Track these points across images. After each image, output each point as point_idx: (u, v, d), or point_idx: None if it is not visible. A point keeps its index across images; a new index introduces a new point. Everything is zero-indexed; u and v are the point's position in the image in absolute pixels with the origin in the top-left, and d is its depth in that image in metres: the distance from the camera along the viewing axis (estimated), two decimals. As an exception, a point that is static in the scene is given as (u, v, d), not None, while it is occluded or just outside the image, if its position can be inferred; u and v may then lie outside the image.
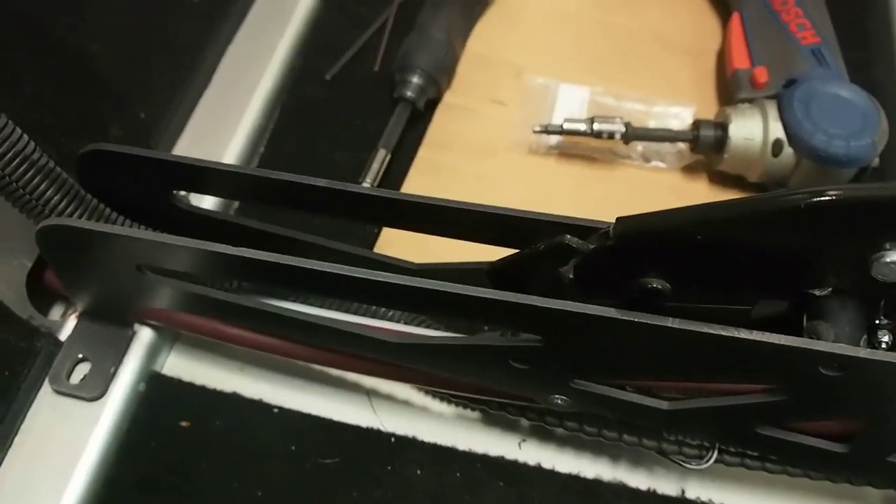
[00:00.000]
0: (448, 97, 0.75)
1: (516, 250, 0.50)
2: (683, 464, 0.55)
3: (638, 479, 0.59)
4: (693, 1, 0.85)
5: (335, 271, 0.46)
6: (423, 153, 0.72)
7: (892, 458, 0.49)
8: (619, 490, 0.58)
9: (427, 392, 0.61)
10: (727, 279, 0.44)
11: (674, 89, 0.77)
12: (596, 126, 0.69)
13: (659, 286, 0.45)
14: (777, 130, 0.67)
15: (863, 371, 0.42)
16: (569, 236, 0.46)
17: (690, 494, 0.58)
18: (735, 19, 0.76)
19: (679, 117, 0.74)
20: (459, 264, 0.55)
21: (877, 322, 0.45)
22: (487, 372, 0.51)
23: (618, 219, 0.44)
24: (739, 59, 0.73)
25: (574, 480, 0.58)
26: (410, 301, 0.47)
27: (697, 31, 0.82)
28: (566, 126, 0.69)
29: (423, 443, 0.59)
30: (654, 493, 0.58)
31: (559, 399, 0.52)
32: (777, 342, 0.42)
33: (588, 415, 0.56)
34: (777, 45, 0.72)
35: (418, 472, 0.58)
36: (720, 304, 0.47)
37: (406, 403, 0.61)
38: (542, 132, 0.69)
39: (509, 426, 0.60)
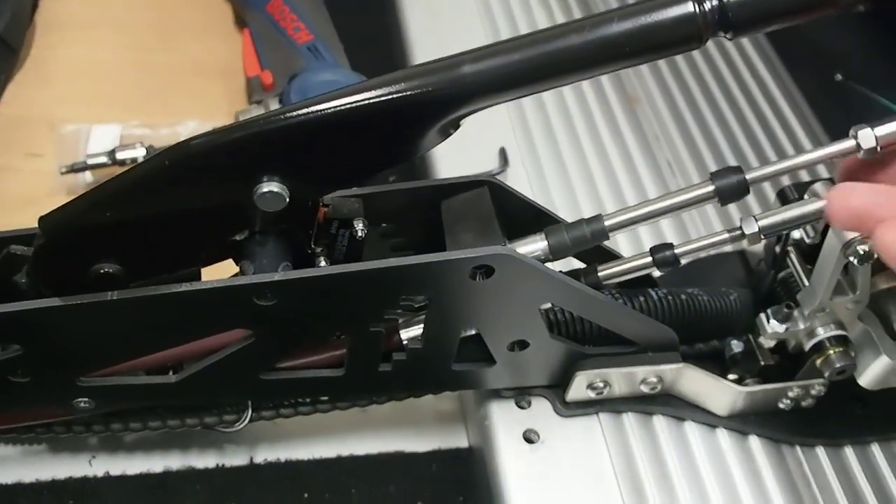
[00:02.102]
0: (-18, 161, 0.77)
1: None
2: (224, 430, 0.59)
3: (207, 460, 0.62)
4: (224, 28, 0.92)
5: None
6: (-40, 219, 0.73)
7: (382, 368, 0.56)
8: (189, 475, 0.61)
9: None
10: (164, 247, 0.49)
11: (208, 108, 0.83)
12: (119, 155, 0.73)
13: (111, 269, 0.49)
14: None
15: (286, 292, 0.48)
16: (14, 246, 0.49)
17: (258, 459, 0.63)
18: (245, 33, 0.84)
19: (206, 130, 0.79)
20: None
21: (310, 251, 0.52)
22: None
23: (40, 218, 0.47)
24: (251, 68, 0.80)
25: (144, 479, 0.61)
26: None
27: (228, 54, 0.88)
28: (90, 161, 0.73)
29: (-18, 488, 0.60)
30: (224, 467, 0.62)
31: (83, 402, 0.55)
32: (203, 287, 0.47)
33: (145, 411, 0.59)
34: (279, 49, 0.80)
35: (-19, 516, 0.59)
36: (178, 271, 0.51)
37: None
38: (69, 172, 0.73)
39: (79, 447, 0.62)
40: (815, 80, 0.92)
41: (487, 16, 0.93)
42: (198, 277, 0.52)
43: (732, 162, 0.82)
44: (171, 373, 0.55)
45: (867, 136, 0.51)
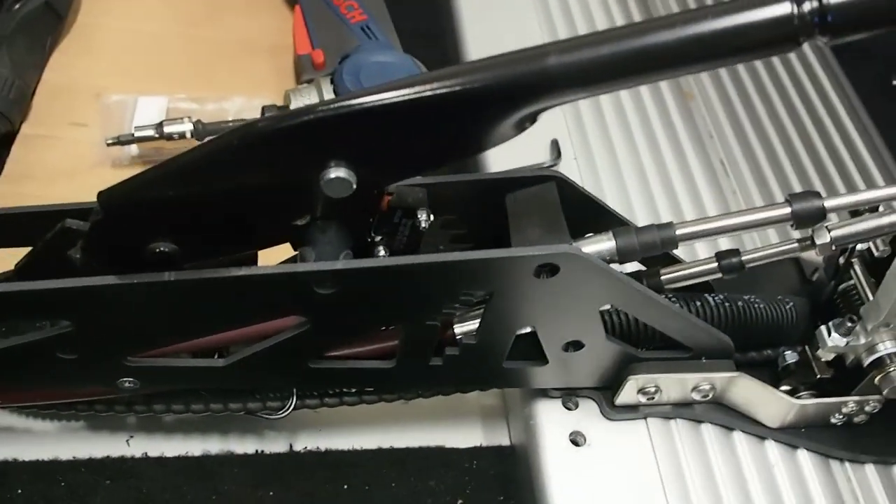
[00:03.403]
0: (25, 129, 0.76)
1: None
2: (268, 417, 0.58)
3: (246, 446, 0.61)
4: (273, 4, 0.90)
5: None
6: (2, 188, 0.72)
7: (433, 362, 0.54)
8: (228, 460, 0.61)
9: (29, 413, 0.61)
10: (222, 228, 0.48)
11: (255, 85, 0.81)
12: (166, 129, 0.72)
13: (167, 249, 0.48)
14: (336, 102, 0.73)
15: (347, 281, 0.47)
16: (69, 220, 0.48)
17: (298, 447, 0.62)
18: (297, 11, 0.82)
19: (254, 107, 0.78)
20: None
21: (370, 240, 0.51)
22: (40, 371, 0.52)
23: (99, 192, 0.46)
24: (301, 46, 0.79)
25: (182, 462, 0.60)
26: None
27: (277, 31, 0.87)
28: (137, 134, 0.72)
29: (22, 463, 0.59)
30: (263, 453, 0.61)
31: (128, 382, 0.54)
32: (262, 273, 0.46)
33: (188, 393, 0.58)
34: (331, 27, 0.79)
35: (19, 491, 0.58)
36: (234, 254, 0.50)
37: (7, 429, 0.61)
38: (115, 143, 0.72)
39: (117, 426, 0.61)
40: (873, 83, 0.90)
41: (542, 6, 0.91)
42: (254, 261, 0.50)
43: (787, 166, 0.80)
44: (216, 356, 0.54)
45: None
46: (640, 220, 0.70)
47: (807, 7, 0.40)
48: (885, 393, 0.58)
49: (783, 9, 0.40)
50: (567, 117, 0.79)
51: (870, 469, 0.62)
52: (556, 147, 0.75)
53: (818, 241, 0.51)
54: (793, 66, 0.90)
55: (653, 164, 0.78)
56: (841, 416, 0.61)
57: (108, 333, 0.49)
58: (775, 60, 0.89)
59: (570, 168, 0.75)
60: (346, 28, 0.78)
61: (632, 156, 0.78)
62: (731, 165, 0.80)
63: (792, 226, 0.51)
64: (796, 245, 0.53)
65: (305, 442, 0.62)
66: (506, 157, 0.73)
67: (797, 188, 0.79)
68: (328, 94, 0.72)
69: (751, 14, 0.40)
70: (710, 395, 0.59)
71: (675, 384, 0.58)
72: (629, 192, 0.75)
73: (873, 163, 0.82)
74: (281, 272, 0.46)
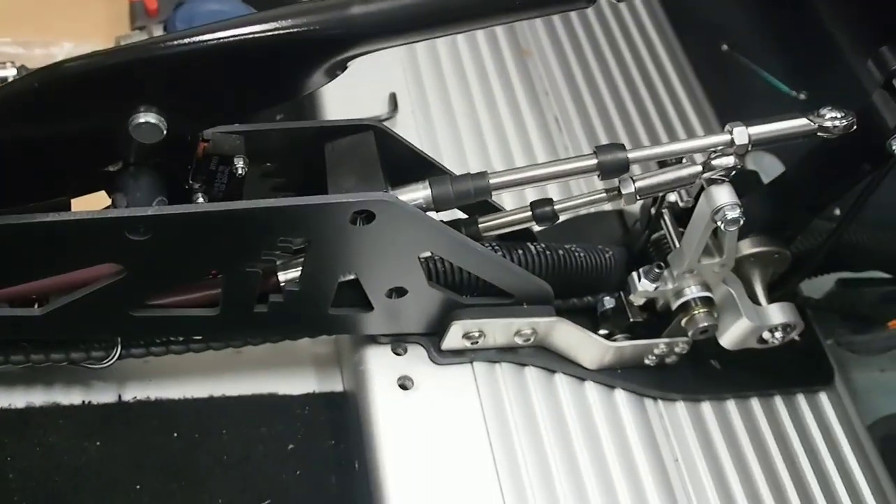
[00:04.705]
0: None
1: None
2: (92, 367, 0.57)
3: (72, 397, 0.61)
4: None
5: None
6: None
7: (258, 309, 0.55)
8: (53, 411, 0.60)
9: None
10: (30, 174, 0.47)
11: (86, 30, 0.79)
12: (-11, 73, 0.69)
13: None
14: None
15: (160, 228, 0.47)
16: None
17: (127, 397, 0.62)
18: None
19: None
20: None
21: (187, 187, 0.51)
22: None
23: None
24: (134, -8, 0.77)
25: (4, 414, 0.59)
26: None
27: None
28: (-48, 79, 0.68)
29: None
30: (90, 404, 0.61)
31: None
32: (70, 218, 0.45)
33: (7, 344, 0.57)
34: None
35: None
36: (46, 200, 0.49)
37: None
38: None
39: (-68, 380, 0.60)
40: (703, 48, 0.94)
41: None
42: (67, 208, 0.50)
43: (617, 123, 0.84)
44: (35, 306, 0.53)
45: (741, 134, 0.53)
46: (475, 173, 0.72)
47: (599, -36, 0.43)
48: (690, 335, 0.62)
49: (577, -35, 0.43)
50: (406, 71, 0.80)
51: (680, 406, 0.67)
52: (393, 100, 0.76)
53: (623, 191, 0.54)
54: (628, 28, 0.93)
55: (489, 119, 0.80)
56: (654, 358, 0.65)
57: None
58: (612, 22, 0.93)
59: (406, 122, 0.76)
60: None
61: (469, 111, 0.80)
62: (565, 121, 0.83)
63: (599, 176, 0.53)
64: (604, 195, 0.56)
65: (135, 392, 0.62)
66: (345, 109, 0.74)
67: (627, 144, 0.82)
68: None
69: (548, -31, 0.42)
70: (532, 340, 0.62)
71: (498, 329, 0.61)
72: (464, 146, 0.77)
73: (698, 122, 0.87)
74: (89, 218, 0.45)
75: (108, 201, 0.51)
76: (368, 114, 0.74)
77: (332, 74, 0.45)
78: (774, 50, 0.97)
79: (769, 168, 0.81)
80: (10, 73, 0.69)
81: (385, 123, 0.61)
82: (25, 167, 0.46)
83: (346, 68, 0.45)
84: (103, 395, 0.61)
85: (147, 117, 0.44)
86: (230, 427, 0.62)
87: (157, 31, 0.72)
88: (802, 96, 0.92)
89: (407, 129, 0.75)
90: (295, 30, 0.42)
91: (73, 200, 0.51)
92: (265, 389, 0.64)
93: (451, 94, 0.80)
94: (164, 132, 0.44)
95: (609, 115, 0.84)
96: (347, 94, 0.71)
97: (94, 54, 0.43)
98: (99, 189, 0.49)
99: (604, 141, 0.82)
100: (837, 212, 0.69)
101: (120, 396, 0.61)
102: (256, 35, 0.42)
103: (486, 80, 0.83)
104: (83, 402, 0.61)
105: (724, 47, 0.95)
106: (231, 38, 0.42)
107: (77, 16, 0.80)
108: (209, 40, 0.43)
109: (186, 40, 0.43)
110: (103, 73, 0.43)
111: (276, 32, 0.42)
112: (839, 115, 0.53)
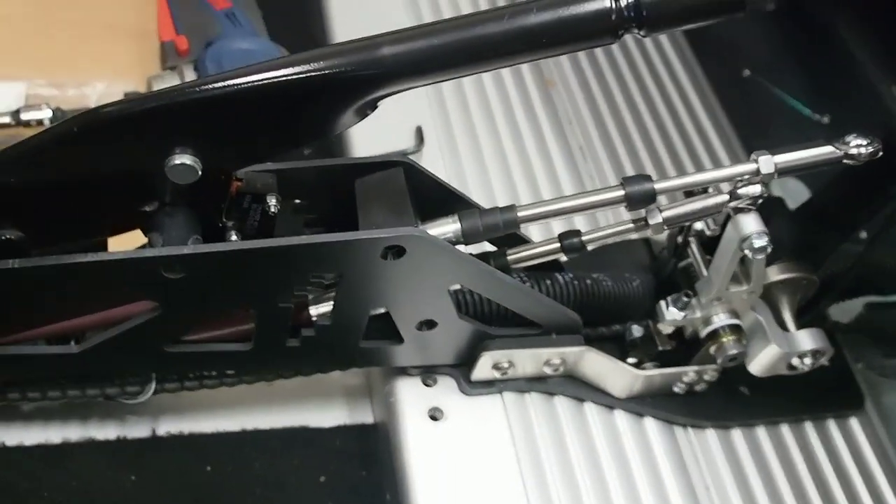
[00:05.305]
0: None
1: None
2: (127, 401, 0.58)
3: (107, 432, 0.62)
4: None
5: None
6: None
7: (290, 343, 0.56)
8: (88, 446, 0.61)
9: None
10: (69, 215, 0.48)
11: (118, 71, 0.81)
12: (23, 116, 0.71)
13: (12, 236, 0.48)
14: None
15: (195, 266, 0.48)
16: None
17: (161, 431, 0.62)
18: (161, -4, 0.81)
19: (116, 94, 0.77)
20: None
21: (221, 225, 0.52)
22: None
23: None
24: (165, 32, 0.79)
25: (42, 449, 0.60)
26: None
27: (142, 15, 0.86)
28: (-9, 121, 0.70)
29: None
30: (125, 439, 0.62)
31: (-24, 373, 0.53)
32: (108, 258, 0.46)
33: (45, 380, 0.58)
34: (195, 14, 0.79)
35: None
36: (84, 240, 0.50)
37: None
38: (-32, 130, 0.70)
39: (-29, 417, 0.61)
40: (725, 74, 0.94)
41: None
42: (104, 247, 0.51)
43: (642, 150, 0.84)
44: (73, 342, 0.54)
45: (767, 163, 0.53)
46: (502, 204, 0.72)
47: (624, 2, 0.43)
48: (719, 362, 0.62)
49: (602, 4, 0.43)
50: (431, 104, 0.81)
51: (710, 433, 0.67)
52: (419, 134, 0.77)
53: (651, 222, 0.55)
54: (650, 56, 0.94)
55: (514, 150, 0.80)
56: (683, 385, 0.66)
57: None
58: (634, 51, 0.93)
59: (433, 154, 0.77)
60: (210, 14, 0.78)
61: (494, 142, 0.80)
62: (590, 151, 0.83)
63: (626, 207, 0.54)
64: (632, 226, 0.56)
65: (168, 426, 0.62)
66: (371, 143, 0.75)
67: (651, 172, 0.83)
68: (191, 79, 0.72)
69: (573, 8, 0.43)
70: (562, 369, 0.62)
71: (527, 359, 0.61)
72: (491, 177, 0.77)
73: (723, 148, 0.87)
74: (127, 258, 0.47)
75: (142, 238, 0.52)
76: (395, 147, 0.75)
77: (362, 114, 0.46)
78: (797, 74, 0.97)
79: (794, 191, 0.81)
80: (45, 114, 0.71)
81: (412, 157, 0.62)
82: (65, 208, 0.47)
83: (376, 108, 0.46)
84: (138, 430, 0.62)
85: (182, 159, 0.45)
86: (263, 459, 0.62)
87: (188, 71, 0.73)
88: (826, 120, 0.92)
89: (434, 161, 0.76)
90: (326, 71, 0.43)
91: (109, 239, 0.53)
92: (297, 422, 0.64)
93: (477, 126, 0.81)
94: (199, 172, 0.45)
95: (633, 143, 0.85)
96: (374, 128, 0.71)
97: (130, 99, 0.44)
98: (135, 228, 0.50)
99: (628, 168, 0.82)
100: (864, 234, 0.69)
101: (154, 431, 0.62)
102: (288, 78, 0.43)
103: (511, 110, 0.84)
104: (118, 436, 0.61)
105: (746, 72, 0.95)
106: (263, 81, 0.43)
107: (109, 57, 0.82)
108: (241, 84, 0.44)
109: (220, 84, 0.44)
110: (140, 117, 0.44)
111: (307, 75, 0.43)
112: (864, 143, 0.53)
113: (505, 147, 0.81)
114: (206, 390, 0.60)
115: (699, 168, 0.84)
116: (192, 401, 0.62)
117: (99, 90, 0.78)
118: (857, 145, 0.53)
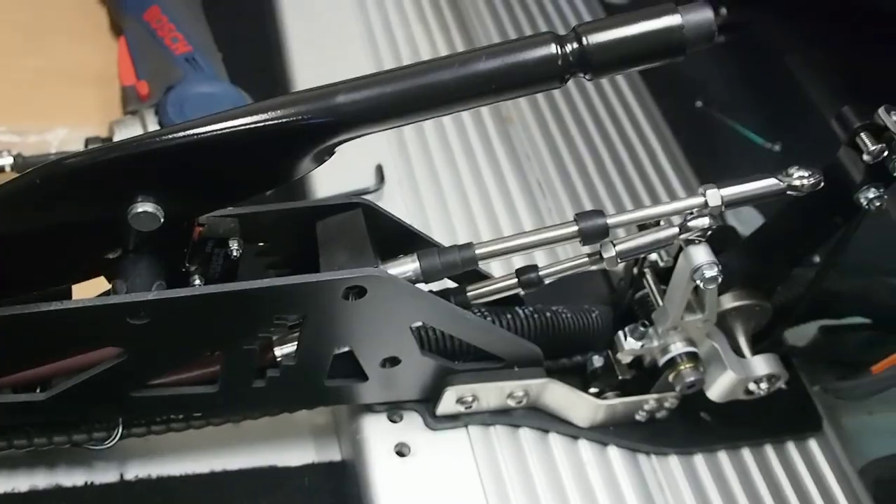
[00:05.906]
0: None
1: None
2: (93, 447, 0.58)
3: (74, 478, 0.61)
4: (98, 34, 0.90)
5: None
6: None
7: (256, 384, 0.57)
8: (56, 494, 0.61)
9: None
10: (32, 264, 0.49)
11: (80, 116, 0.81)
12: (-18, 162, 0.71)
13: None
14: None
15: (160, 312, 0.48)
16: None
17: (129, 476, 0.62)
18: (121, 41, 0.83)
19: (78, 139, 0.78)
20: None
21: (184, 270, 0.52)
22: None
23: None
24: (126, 77, 0.80)
25: (9, 499, 0.60)
26: None
27: (103, 60, 0.87)
28: (-47, 168, 0.70)
29: None
30: (93, 485, 0.62)
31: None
32: (73, 306, 0.47)
33: (10, 429, 0.58)
34: (156, 59, 0.80)
35: None
36: (48, 288, 0.51)
37: None
38: (-71, 180, 0.70)
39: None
40: (678, 106, 0.97)
41: (366, 26, 0.94)
42: (68, 295, 0.51)
43: (598, 184, 0.86)
44: (38, 390, 0.54)
45: (714, 196, 0.55)
46: (462, 240, 0.74)
47: (569, 48, 0.45)
48: (678, 389, 0.64)
49: (549, 50, 0.45)
50: (391, 143, 0.82)
51: (673, 460, 0.68)
52: (379, 172, 0.78)
53: (605, 255, 0.56)
54: (604, 90, 0.96)
55: (474, 186, 0.82)
56: (644, 413, 0.67)
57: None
58: (588, 86, 0.96)
59: (393, 192, 0.78)
60: (170, 59, 0.78)
61: (454, 178, 0.82)
62: (548, 185, 0.85)
63: (580, 242, 0.55)
64: (587, 259, 0.58)
65: (136, 470, 0.62)
66: (332, 182, 0.76)
67: (608, 205, 0.85)
68: (152, 126, 0.73)
69: (520, 55, 0.45)
70: (525, 401, 0.64)
71: (490, 392, 0.62)
72: (451, 213, 0.79)
73: (677, 179, 0.90)
74: (92, 305, 0.47)
75: (106, 284, 0.53)
76: (356, 186, 0.76)
77: (320, 160, 0.47)
78: (748, 103, 1.00)
79: (749, 218, 0.83)
80: (6, 161, 0.72)
81: (373, 195, 0.63)
82: (28, 258, 0.48)
83: (333, 153, 0.47)
84: (106, 476, 0.62)
85: (145, 207, 0.46)
86: (232, 501, 0.63)
87: (150, 115, 0.74)
88: (777, 148, 0.95)
89: (394, 199, 0.77)
90: (284, 120, 0.44)
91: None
92: (265, 462, 0.65)
93: (436, 163, 0.82)
94: (161, 220, 0.46)
95: (590, 176, 0.87)
96: (335, 168, 0.72)
97: (91, 150, 0.45)
98: (98, 275, 0.51)
99: (586, 201, 0.84)
100: (817, 259, 0.71)
101: (122, 475, 0.62)
102: (247, 126, 0.44)
103: (470, 147, 0.85)
104: (86, 482, 0.61)
105: (699, 104, 0.98)
106: (222, 131, 0.45)
107: (70, 102, 0.83)
108: (201, 133, 0.45)
109: (179, 134, 0.45)
110: (101, 167, 0.44)
111: (265, 123, 0.44)
112: (807, 174, 0.55)
113: (465, 183, 0.82)
114: (174, 433, 0.60)
115: (655, 200, 0.86)
116: (159, 444, 0.62)
117: (60, 136, 0.78)
118: (800, 177, 0.55)
